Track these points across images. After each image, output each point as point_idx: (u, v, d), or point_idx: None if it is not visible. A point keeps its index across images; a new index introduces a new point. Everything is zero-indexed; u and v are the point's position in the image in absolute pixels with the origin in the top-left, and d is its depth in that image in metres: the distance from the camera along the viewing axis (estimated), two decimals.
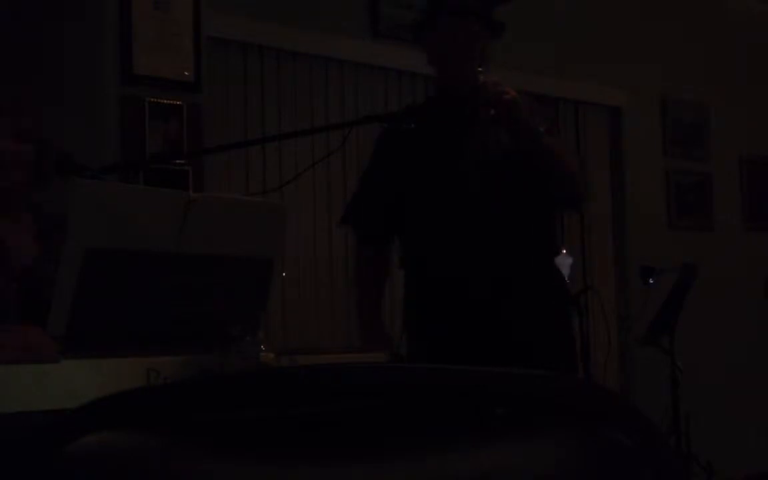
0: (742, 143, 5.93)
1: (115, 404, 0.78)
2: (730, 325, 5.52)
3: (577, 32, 5.15)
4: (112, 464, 0.75)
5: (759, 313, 5.55)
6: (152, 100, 3.50)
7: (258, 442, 0.77)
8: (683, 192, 5.65)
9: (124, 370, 1.59)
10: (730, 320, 5.53)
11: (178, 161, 3.56)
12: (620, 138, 5.43)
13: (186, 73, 3.58)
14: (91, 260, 1.62)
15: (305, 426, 0.77)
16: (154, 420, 0.77)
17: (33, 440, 0.76)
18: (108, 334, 1.67)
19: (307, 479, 0.76)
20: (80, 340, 1.62)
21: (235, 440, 0.77)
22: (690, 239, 5.55)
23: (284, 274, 3.90)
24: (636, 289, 4.95)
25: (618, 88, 5.35)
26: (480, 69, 2.54)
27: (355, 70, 4.37)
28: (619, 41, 5.34)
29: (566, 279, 2.91)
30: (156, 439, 0.76)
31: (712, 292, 5.12)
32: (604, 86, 5.28)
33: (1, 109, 2.23)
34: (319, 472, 0.76)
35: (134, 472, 0.75)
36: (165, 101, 3.53)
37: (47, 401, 1.46)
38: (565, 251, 2.93)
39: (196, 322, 1.78)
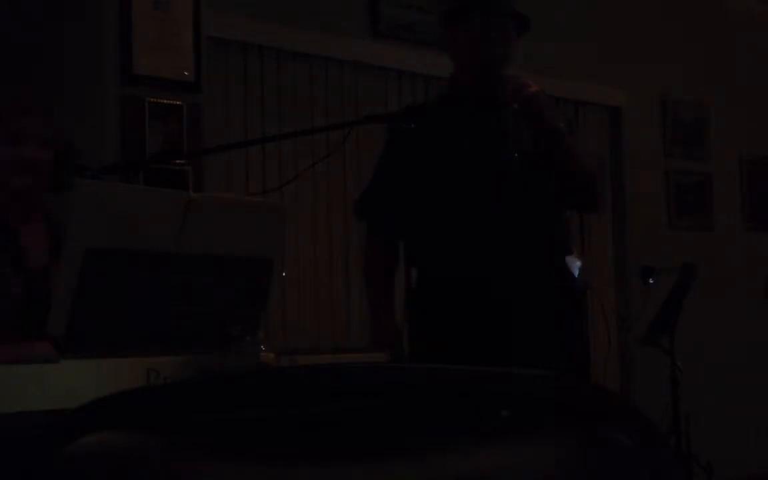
0: (742, 143, 5.93)
1: (115, 404, 0.78)
2: (730, 325, 5.51)
3: (577, 32, 5.14)
4: (112, 464, 0.75)
5: (759, 313, 5.55)
6: (152, 100, 3.50)
7: (258, 442, 0.77)
8: (683, 192, 5.64)
9: (124, 370, 1.59)
10: (730, 320, 5.52)
11: (178, 161, 3.56)
12: (620, 138, 5.43)
13: (186, 73, 3.58)
14: (91, 260, 1.62)
15: (305, 426, 0.77)
16: (154, 420, 0.77)
17: (33, 440, 0.76)
18: (108, 334, 1.67)
19: (307, 479, 0.76)
20: (80, 340, 1.62)
21: (235, 440, 0.77)
22: (690, 239, 5.54)
23: (284, 274, 3.90)
24: (636, 289, 4.94)
25: (618, 88, 5.35)
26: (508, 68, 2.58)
27: (355, 70, 4.37)
28: (619, 41, 5.34)
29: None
30: (156, 439, 0.76)
31: (712, 292, 5.12)
32: (604, 86, 5.28)
33: (27, 111, 2.24)
34: (319, 472, 0.76)
35: (134, 472, 0.75)
36: (165, 101, 3.52)
37: (47, 401, 1.46)
38: (574, 253, 2.93)
39: (196, 322, 1.78)
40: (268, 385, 0.79)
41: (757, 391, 5.54)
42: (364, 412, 0.78)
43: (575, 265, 2.77)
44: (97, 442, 0.75)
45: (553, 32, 4.96)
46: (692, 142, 5.70)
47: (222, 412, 0.77)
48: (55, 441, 0.75)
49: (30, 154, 2.19)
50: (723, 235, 5.76)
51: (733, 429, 5.28)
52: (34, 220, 2.24)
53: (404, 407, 0.78)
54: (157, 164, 3.50)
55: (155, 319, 1.74)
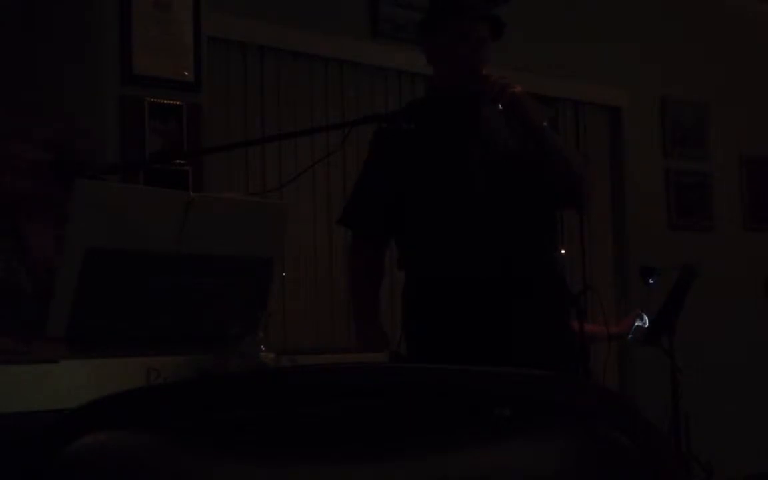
0: (742, 143, 5.93)
1: (115, 404, 0.78)
2: (730, 325, 5.51)
3: (577, 32, 5.14)
4: (112, 464, 0.75)
5: (759, 313, 5.55)
6: (152, 100, 3.50)
7: (258, 442, 0.77)
8: (683, 192, 5.64)
9: (124, 370, 1.59)
10: (730, 320, 5.52)
11: (178, 161, 3.56)
12: (620, 138, 5.43)
13: (186, 73, 3.58)
14: (91, 260, 1.62)
15: (305, 426, 0.77)
16: (154, 420, 0.77)
17: (33, 440, 0.76)
18: (108, 334, 1.67)
19: (307, 479, 0.76)
20: (80, 340, 1.62)
21: (235, 440, 0.77)
22: (690, 239, 5.54)
23: (284, 274, 3.90)
24: (636, 289, 4.94)
25: (618, 88, 5.35)
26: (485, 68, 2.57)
27: (355, 70, 4.37)
28: (619, 41, 5.34)
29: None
30: (156, 439, 0.76)
31: (712, 292, 5.12)
32: (604, 86, 5.28)
33: (23, 113, 2.26)
34: (319, 472, 0.76)
35: (134, 472, 0.75)
36: (165, 101, 3.52)
37: (47, 401, 1.46)
38: (564, 251, 2.98)
39: (196, 322, 1.78)
40: (268, 385, 0.79)
41: (757, 391, 5.54)
42: (364, 412, 0.78)
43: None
44: (97, 442, 0.75)
45: (553, 32, 4.97)
46: (692, 142, 5.70)
47: (222, 412, 0.77)
48: (55, 441, 0.75)
49: (31, 156, 2.21)
50: (723, 235, 5.76)
51: (733, 429, 5.28)
52: (40, 219, 2.25)
53: (404, 407, 0.78)
54: (157, 164, 3.50)
55: (155, 319, 1.74)
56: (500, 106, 2.49)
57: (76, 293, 1.62)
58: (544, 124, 2.55)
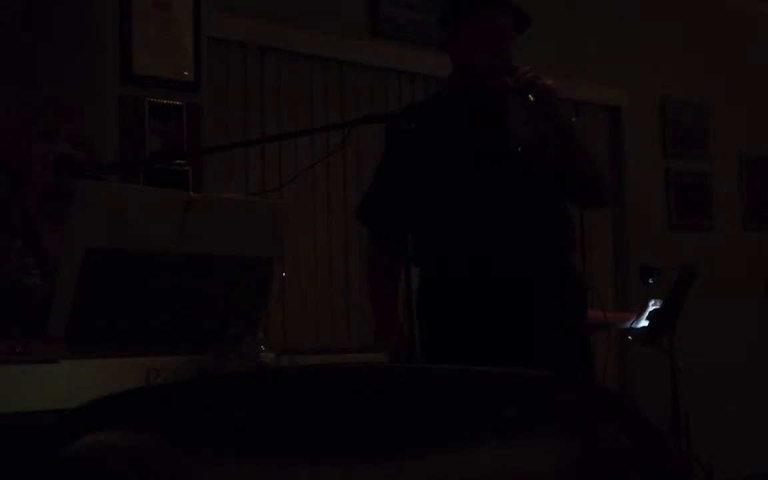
0: (742, 143, 5.93)
1: (115, 404, 0.78)
2: (730, 325, 5.51)
3: (577, 32, 5.14)
4: (112, 464, 0.75)
5: (759, 313, 5.55)
6: (152, 100, 3.49)
7: (258, 442, 0.77)
8: (683, 192, 5.64)
9: (124, 370, 1.59)
10: (730, 320, 5.52)
11: (178, 161, 3.56)
12: (620, 138, 5.43)
13: (186, 73, 3.58)
14: (91, 260, 1.62)
15: (305, 426, 0.77)
16: (154, 420, 0.77)
17: (33, 440, 0.76)
18: (108, 334, 1.67)
19: (307, 479, 0.76)
20: (80, 340, 1.62)
21: (235, 440, 0.77)
22: (690, 239, 5.54)
23: (284, 274, 3.90)
24: (636, 289, 4.94)
25: (618, 88, 5.35)
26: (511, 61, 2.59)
27: (355, 70, 4.37)
28: (619, 41, 5.34)
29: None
30: (156, 439, 0.76)
31: (712, 292, 5.12)
32: (604, 86, 5.28)
33: (58, 112, 2.26)
34: (319, 472, 0.76)
35: (134, 472, 0.75)
36: (165, 101, 3.52)
37: (47, 401, 1.46)
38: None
39: (196, 322, 1.78)
40: (268, 385, 0.79)
41: (757, 391, 5.54)
42: (364, 412, 0.78)
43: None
44: (97, 442, 0.75)
45: (553, 32, 4.96)
46: (692, 142, 5.70)
47: (222, 412, 0.77)
48: (55, 441, 0.75)
49: (64, 151, 2.21)
50: (723, 235, 5.76)
51: (733, 429, 5.28)
52: (54, 218, 2.25)
53: (404, 407, 0.78)
54: (157, 164, 3.50)
55: (155, 319, 1.74)
56: (531, 98, 2.48)
57: (76, 293, 1.62)
58: (573, 120, 2.56)
